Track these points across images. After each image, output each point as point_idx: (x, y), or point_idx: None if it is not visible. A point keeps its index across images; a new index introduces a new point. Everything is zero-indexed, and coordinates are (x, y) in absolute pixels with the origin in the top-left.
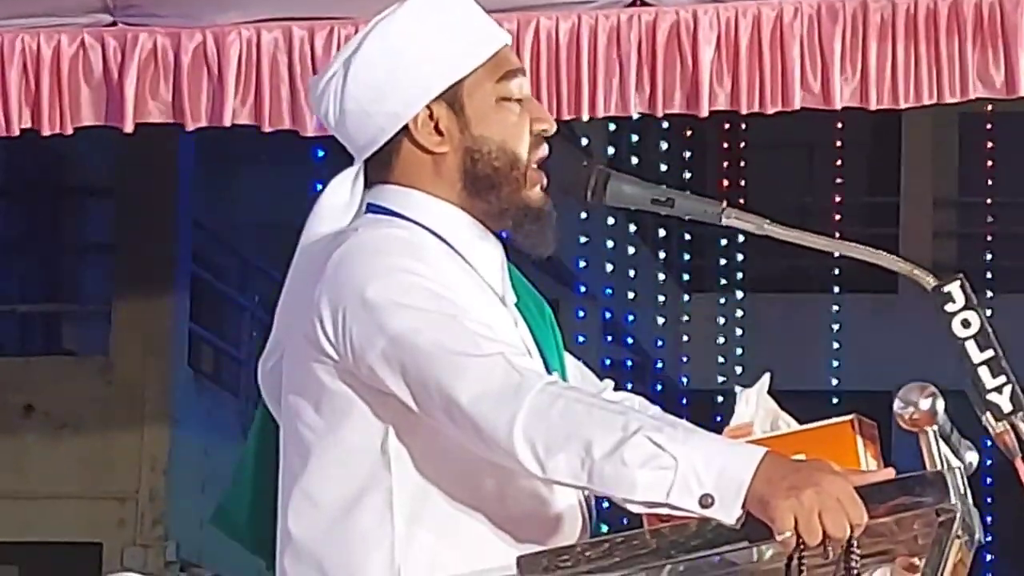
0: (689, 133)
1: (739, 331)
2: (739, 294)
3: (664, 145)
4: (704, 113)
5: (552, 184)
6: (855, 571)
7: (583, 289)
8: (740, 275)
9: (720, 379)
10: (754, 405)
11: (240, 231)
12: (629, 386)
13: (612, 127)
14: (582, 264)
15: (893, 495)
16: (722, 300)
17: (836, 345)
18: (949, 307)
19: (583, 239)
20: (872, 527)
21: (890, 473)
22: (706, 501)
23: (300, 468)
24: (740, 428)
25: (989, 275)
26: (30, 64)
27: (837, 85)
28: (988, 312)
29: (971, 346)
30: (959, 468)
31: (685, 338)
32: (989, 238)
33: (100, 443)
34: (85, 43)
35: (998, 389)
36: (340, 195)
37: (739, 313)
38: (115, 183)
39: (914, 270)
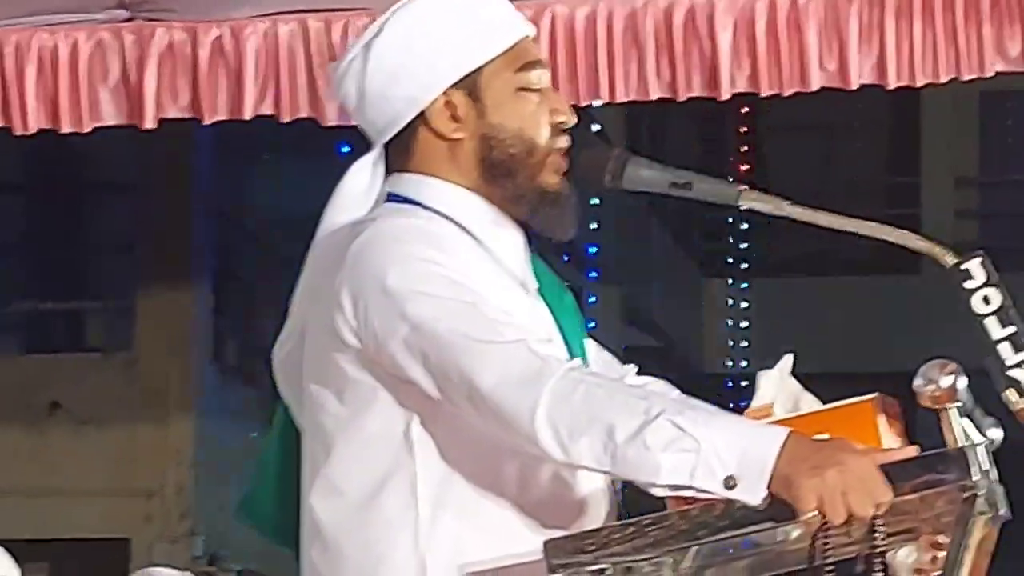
0: (706, 117)
1: (759, 315)
2: (758, 278)
3: (681, 130)
4: (725, 96)
5: (571, 169)
6: (880, 549)
7: (600, 274)
8: (759, 258)
9: (742, 363)
10: (776, 386)
11: (263, 224)
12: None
13: (628, 112)
14: (598, 249)
15: (916, 473)
16: (742, 284)
17: (861, 326)
18: (969, 284)
19: (599, 224)
20: (896, 505)
21: (913, 451)
22: (730, 483)
23: (323, 457)
24: (762, 409)
25: (1011, 254)
26: (47, 62)
27: (855, 64)
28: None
29: (992, 323)
30: (983, 445)
31: (705, 322)
32: (1011, 217)
33: (126, 439)
34: (103, 41)
35: (1019, 365)
36: (359, 182)
37: (758, 296)
38: (136, 178)
39: (933, 248)
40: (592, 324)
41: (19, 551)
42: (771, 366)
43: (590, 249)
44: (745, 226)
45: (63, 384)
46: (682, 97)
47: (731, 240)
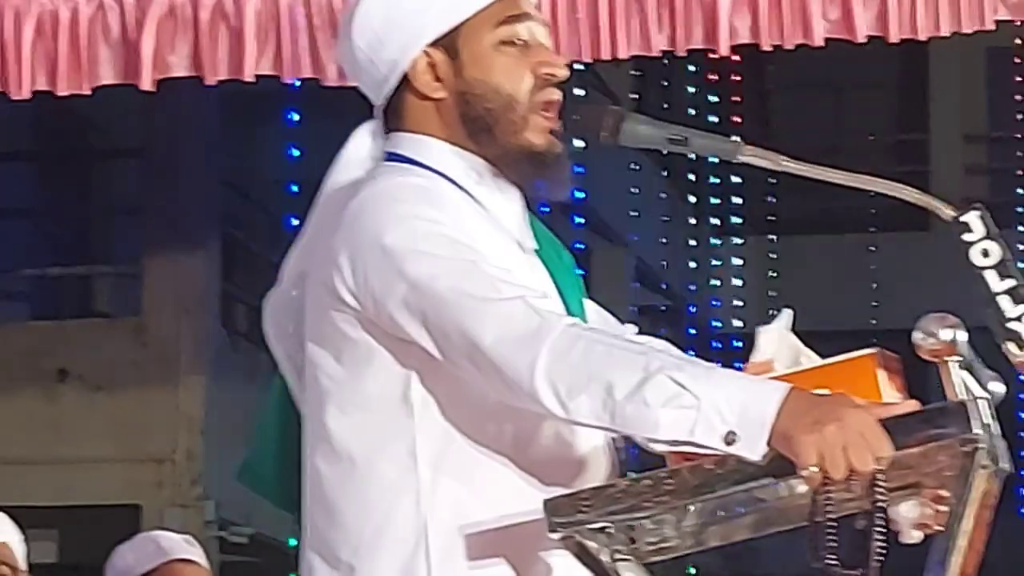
0: (715, 77)
1: (772, 273)
2: (771, 236)
3: (690, 89)
4: (725, 49)
5: (567, 127)
6: (881, 504)
7: (612, 235)
8: (771, 217)
9: (754, 323)
10: (775, 341)
11: (270, 188)
12: (663, 332)
13: (636, 72)
14: (611, 210)
15: (917, 427)
16: (754, 243)
17: (872, 284)
18: (968, 236)
19: (612, 186)
20: (898, 460)
21: (914, 405)
22: (730, 438)
23: (322, 419)
24: (762, 364)
25: (1021, 209)
26: (47, 25)
27: (859, 15)
28: (1020, 247)
29: (991, 276)
30: (984, 398)
31: (717, 282)
32: (1020, 172)
33: (136, 405)
34: (103, 4)
35: (1019, 318)
36: (362, 146)
37: (771, 255)
38: (143, 144)
39: (933, 201)
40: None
41: (30, 518)
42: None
43: (609, 209)
44: (756, 186)
45: (72, 350)
46: (682, 51)
47: (741, 200)
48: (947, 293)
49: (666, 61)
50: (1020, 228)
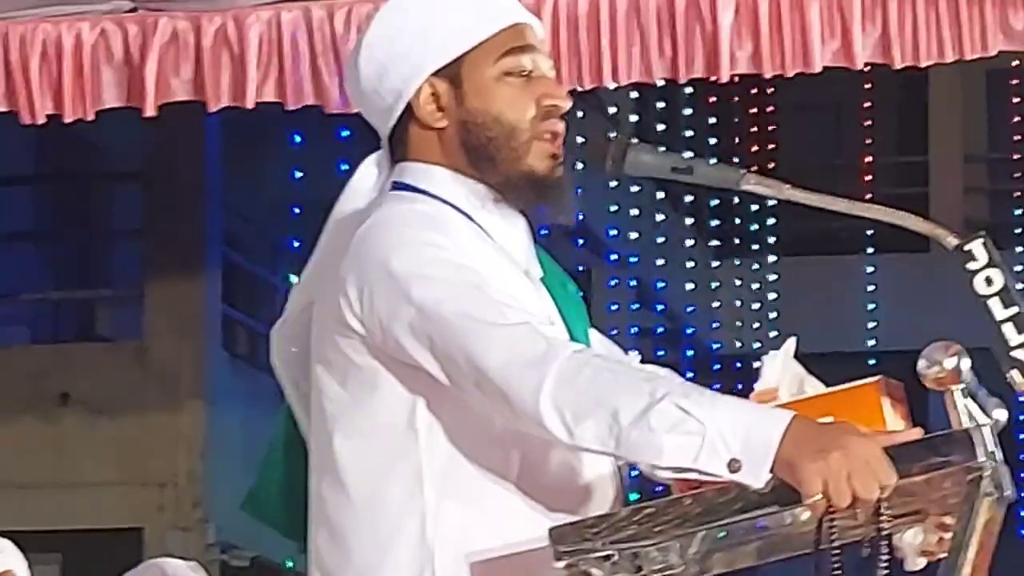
0: (714, 99)
1: (771, 295)
2: (770, 258)
3: (690, 111)
4: (725, 77)
5: (575, 155)
6: (885, 532)
7: (612, 257)
8: (771, 239)
9: (754, 344)
10: (780, 369)
11: (270, 211)
12: (661, 353)
13: (636, 95)
14: (611, 232)
15: (921, 455)
16: (753, 265)
17: (871, 306)
18: (971, 265)
19: (611, 207)
20: (903, 487)
21: (918, 433)
22: (734, 466)
23: (328, 445)
24: (766, 392)
25: (1020, 230)
26: (51, 52)
27: (858, 44)
28: (1018, 268)
29: (994, 303)
30: (987, 426)
31: (716, 303)
32: (1019, 194)
33: (137, 428)
34: (106, 31)
35: (1023, 346)
36: (369, 175)
37: (771, 277)
38: (143, 168)
39: (936, 229)
40: (615, 306)
41: (32, 542)
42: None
43: (609, 232)
44: (755, 207)
45: (73, 374)
46: (683, 79)
47: (741, 221)
48: (947, 314)
49: (662, 83)
50: (1019, 249)
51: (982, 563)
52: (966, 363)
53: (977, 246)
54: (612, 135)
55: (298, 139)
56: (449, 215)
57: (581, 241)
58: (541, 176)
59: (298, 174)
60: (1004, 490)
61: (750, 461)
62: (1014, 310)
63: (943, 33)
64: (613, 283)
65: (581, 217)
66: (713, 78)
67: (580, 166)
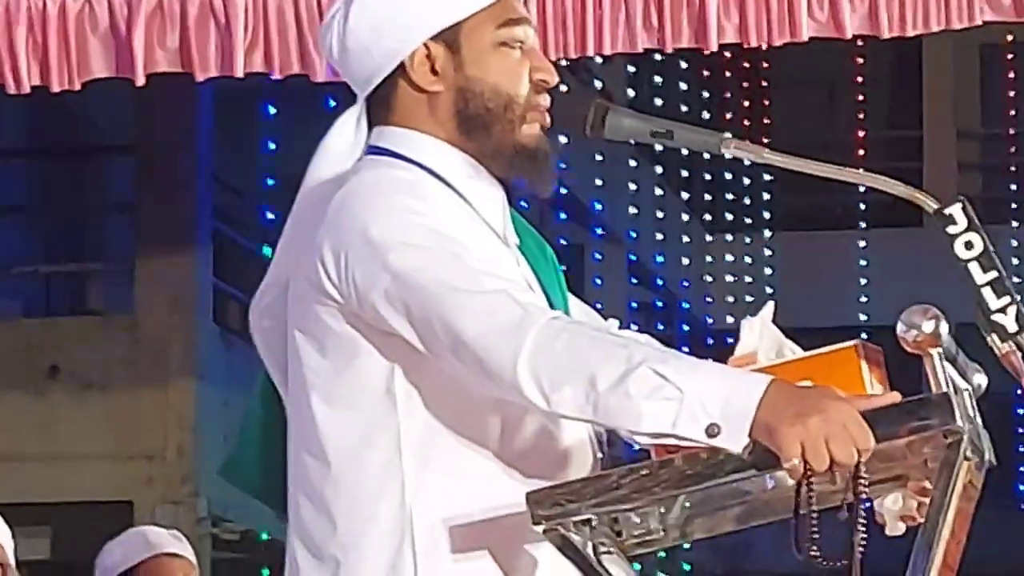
0: (708, 73)
1: (766, 270)
2: (764, 233)
3: (684, 86)
4: (712, 47)
5: (554, 122)
6: (864, 496)
7: (607, 233)
8: (765, 214)
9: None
10: (758, 334)
11: (261, 185)
12: (660, 327)
13: (631, 69)
14: (605, 208)
15: (899, 419)
16: (747, 239)
17: (864, 280)
18: (952, 229)
19: (606, 183)
20: (884, 451)
21: (896, 397)
22: (713, 431)
23: (307, 414)
24: (745, 357)
25: (1014, 205)
26: (36, 22)
27: (846, 14)
28: (1014, 243)
29: (974, 268)
30: (967, 390)
31: (710, 278)
32: (1013, 169)
33: (127, 402)
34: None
35: (1003, 310)
36: (343, 138)
37: (765, 252)
38: (134, 141)
39: (915, 194)
40: (609, 282)
41: (22, 516)
42: (776, 323)
43: (604, 207)
44: (748, 182)
45: (64, 347)
46: (669, 48)
47: (734, 196)
48: (939, 288)
49: (660, 57)
50: (1015, 223)
51: (961, 527)
52: (944, 327)
53: (957, 210)
54: (595, 100)
55: (276, 110)
56: (429, 182)
57: (575, 216)
58: (532, 148)
59: (288, 147)
60: (984, 454)
61: (728, 426)
62: (993, 274)
63: (929, 2)
64: (607, 259)
65: (573, 192)
66: (700, 48)
67: (564, 139)
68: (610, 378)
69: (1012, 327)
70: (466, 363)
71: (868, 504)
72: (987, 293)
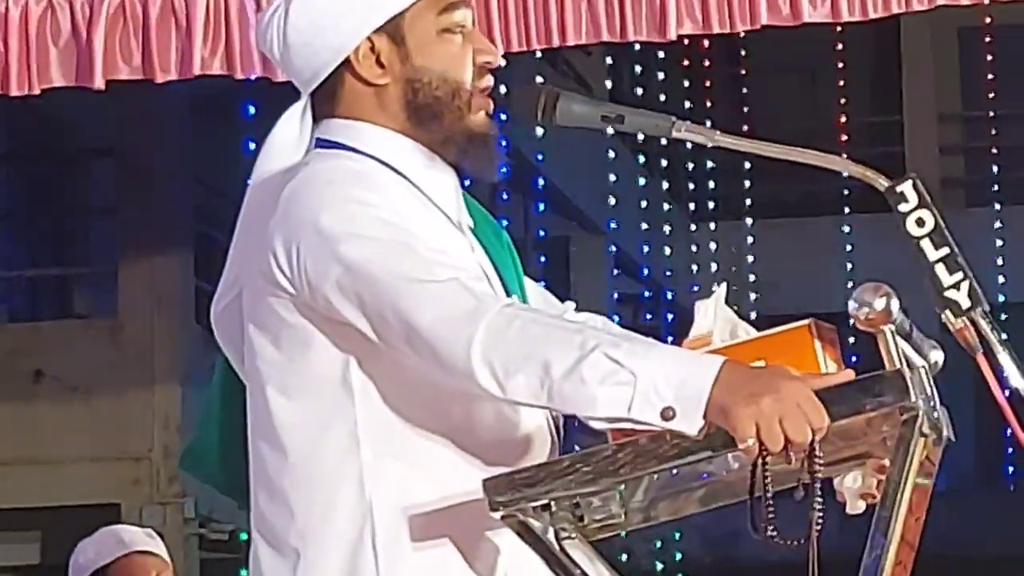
0: (687, 62)
1: (750, 258)
2: (748, 221)
3: (662, 76)
4: (672, 36)
5: (506, 108)
6: (820, 475)
7: (588, 224)
8: (747, 201)
9: (734, 307)
10: (712, 315)
11: (243, 185)
12: (647, 317)
13: (610, 60)
14: (586, 199)
15: (854, 397)
16: (731, 228)
17: (849, 266)
18: (903, 207)
19: (586, 173)
20: (843, 430)
21: (850, 375)
22: (668, 414)
23: (264, 406)
24: (699, 339)
25: (996, 187)
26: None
27: (805, 0)
28: (997, 224)
29: (926, 244)
30: (922, 367)
31: (695, 267)
32: (995, 151)
33: (112, 404)
34: (53, 3)
35: (955, 286)
36: (289, 132)
37: (749, 240)
38: (115, 144)
39: (866, 172)
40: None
41: (11, 520)
42: (767, 312)
43: (586, 198)
44: (729, 170)
45: (48, 351)
46: (631, 38)
47: (716, 184)
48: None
49: (638, 48)
50: (996, 206)
51: (919, 504)
52: (895, 303)
53: (908, 187)
54: (545, 87)
55: (256, 110)
56: (378, 171)
57: (556, 208)
58: (481, 133)
59: (253, 146)
60: (941, 431)
61: (683, 408)
62: (945, 251)
63: None
64: (589, 250)
65: (553, 184)
66: (658, 39)
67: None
68: (564, 364)
69: (965, 303)
70: (420, 353)
71: (824, 483)
72: (940, 270)
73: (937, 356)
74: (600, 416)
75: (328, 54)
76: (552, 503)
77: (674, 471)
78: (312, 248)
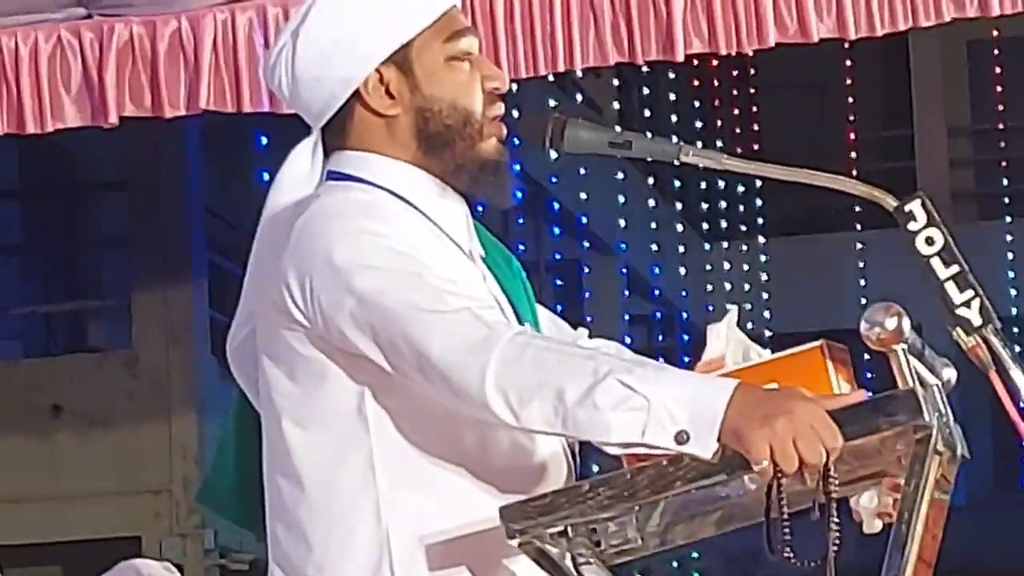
0: (696, 82)
1: (764, 276)
2: (760, 239)
3: (672, 96)
4: (680, 58)
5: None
6: (835, 495)
7: (600, 246)
8: (760, 220)
9: (748, 326)
10: (724, 338)
11: (255, 217)
12: (660, 338)
13: (618, 82)
14: (600, 221)
15: (867, 417)
16: (743, 247)
17: (862, 282)
18: (912, 226)
19: (600, 196)
20: (858, 449)
21: (863, 395)
22: (682, 437)
23: (280, 439)
24: (712, 363)
25: (1007, 200)
26: (8, 64)
27: (812, 18)
28: (1008, 238)
29: (936, 263)
30: (935, 385)
31: (709, 287)
32: (1004, 164)
33: (130, 437)
34: (62, 39)
35: (966, 304)
36: (300, 166)
37: (762, 258)
38: (126, 176)
39: (873, 191)
40: (587, 294)
41: (31, 555)
42: (778, 330)
43: (599, 221)
44: (742, 190)
45: (64, 386)
46: (640, 61)
47: (728, 204)
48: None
49: (647, 69)
50: (1007, 219)
51: (935, 522)
52: (906, 323)
53: (916, 206)
54: (554, 115)
55: (268, 141)
56: (388, 202)
57: (568, 231)
58: (494, 161)
59: (267, 176)
60: (956, 449)
61: (697, 432)
62: (955, 268)
63: (895, 3)
64: (602, 272)
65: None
66: (668, 60)
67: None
68: (577, 391)
69: (976, 320)
70: (434, 382)
71: (840, 502)
72: (950, 288)
73: (950, 374)
74: (614, 442)
75: (337, 86)
76: (569, 529)
77: (690, 494)
78: (325, 281)
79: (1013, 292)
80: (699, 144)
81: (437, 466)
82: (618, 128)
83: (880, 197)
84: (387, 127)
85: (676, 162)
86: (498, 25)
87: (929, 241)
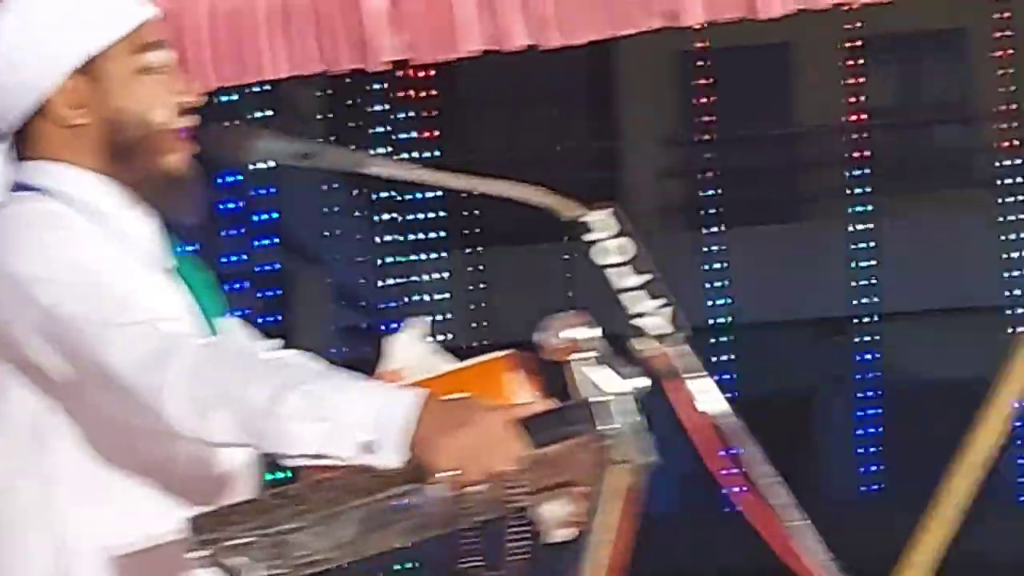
0: (404, 94)
1: (482, 285)
2: (467, 250)
3: (379, 107)
4: (374, 67)
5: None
6: (516, 503)
7: (310, 256)
8: (474, 229)
9: (463, 335)
10: (406, 349)
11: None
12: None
13: (324, 92)
14: (308, 231)
15: (549, 426)
16: (457, 256)
17: (570, 293)
18: (591, 236)
19: (307, 207)
20: (543, 459)
21: (548, 405)
22: (367, 448)
23: None
24: (392, 373)
25: (716, 210)
26: None
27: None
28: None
29: (616, 273)
30: (619, 395)
31: (426, 297)
32: (711, 175)
33: None
34: None
35: (651, 313)
36: None
37: (478, 268)
38: None
39: (559, 202)
40: (295, 305)
41: None
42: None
43: (315, 234)
44: (451, 198)
45: None
46: (335, 70)
47: (441, 213)
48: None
49: (349, 80)
50: (719, 228)
51: (625, 529)
52: (584, 333)
53: (605, 217)
54: (241, 127)
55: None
56: (72, 214)
57: (278, 240)
58: (180, 175)
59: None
60: (638, 458)
61: (383, 442)
62: (646, 278)
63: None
64: (312, 281)
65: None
66: (363, 68)
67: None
68: (259, 402)
69: (667, 329)
70: (115, 396)
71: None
72: (637, 296)
73: (640, 383)
74: (296, 453)
75: (25, 95)
76: (250, 541)
77: (379, 504)
78: (5, 294)
79: (728, 300)
80: (415, 155)
81: (120, 478)
82: (321, 140)
83: (558, 208)
84: (76, 137)
85: (362, 172)
86: (186, 38)
87: (616, 250)
